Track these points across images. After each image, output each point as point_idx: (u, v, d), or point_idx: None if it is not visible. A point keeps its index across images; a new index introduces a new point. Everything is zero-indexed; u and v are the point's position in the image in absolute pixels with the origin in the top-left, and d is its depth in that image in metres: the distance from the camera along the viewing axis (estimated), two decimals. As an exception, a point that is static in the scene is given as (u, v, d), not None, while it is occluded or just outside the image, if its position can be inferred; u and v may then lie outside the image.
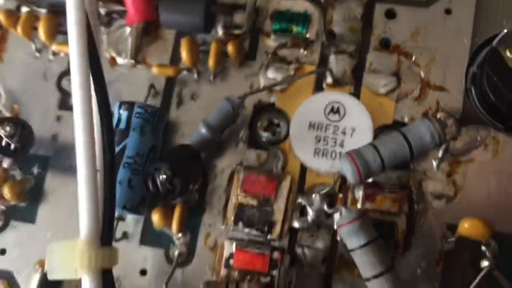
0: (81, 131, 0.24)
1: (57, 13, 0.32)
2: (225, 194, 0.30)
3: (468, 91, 0.30)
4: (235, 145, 0.31)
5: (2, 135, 0.27)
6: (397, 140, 0.27)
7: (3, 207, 0.31)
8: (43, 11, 0.32)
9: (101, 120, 0.24)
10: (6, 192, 0.30)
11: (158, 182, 0.26)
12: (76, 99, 0.24)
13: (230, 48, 0.31)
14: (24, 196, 0.31)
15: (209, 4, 0.30)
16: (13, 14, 0.33)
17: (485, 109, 0.30)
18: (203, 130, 0.29)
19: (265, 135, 0.31)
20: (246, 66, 0.32)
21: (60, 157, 0.32)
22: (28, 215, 0.32)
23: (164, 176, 0.26)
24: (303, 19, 0.31)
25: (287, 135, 0.31)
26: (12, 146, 0.28)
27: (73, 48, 0.25)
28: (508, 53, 0.29)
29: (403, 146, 0.27)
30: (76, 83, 0.23)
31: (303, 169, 0.30)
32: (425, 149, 0.28)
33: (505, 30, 0.28)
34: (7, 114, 0.33)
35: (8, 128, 0.28)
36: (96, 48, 0.26)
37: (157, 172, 0.26)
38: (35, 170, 0.32)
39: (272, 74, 0.32)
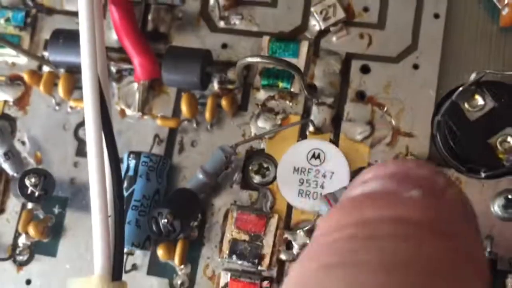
0: (95, 184, 0.28)
1: (74, 72, 0.37)
2: (221, 230, 0.34)
3: (434, 137, 0.34)
4: (230, 186, 0.35)
5: (28, 185, 0.32)
6: (368, 184, 0.31)
7: (28, 243, 0.36)
8: (61, 70, 0.37)
9: (112, 176, 0.28)
10: (31, 230, 0.34)
11: (161, 225, 0.30)
12: (92, 160, 0.28)
13: (223, 102, 0.35)
14: (47, 233, 0.35)
15: (205, 65, 0.34)
16: (35, 74, 0.37)
17: (448, 153, 0.33)
18: (200, 176, 0.33)
19: (256, 178, 0.35)
20: (239, 116, 0.36)
21: (77, 198, 0.36)
22: (50, 250, 0.36)
23: (165, 220, 0.30)
24: (288, 75, 0.35)
25: (275, 177, 0.35)
26: (36, 193, 0.32)
27: (88, 110, 0.29)
28: (466, 105, 0.33)
29: (373, 190, 0.31)
30: (92, 152, 0.28)
31: (289, 207, 0.34)
32: (392, 192, 0.31)
33: (461, 88, 0.32)
34: (31, 160, 0.37)
35: (32, 179, 0.32)
36: (107, 110, 0.30)
37: (159, 216, 0.30)
38: (56, 210, 0.36)
39: (261, 123, 0.36)
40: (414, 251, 0.13)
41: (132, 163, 0.34)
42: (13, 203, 0.36)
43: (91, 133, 0.28)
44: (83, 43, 0.31)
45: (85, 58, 0.31)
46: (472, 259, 0.14)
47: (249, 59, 0.31)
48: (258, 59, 0.31)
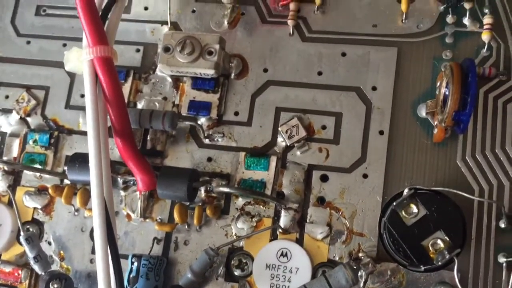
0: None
1: (88, 186, 0.43)
2: (209, 317, 0.40)
3: (381, 236, 0.39)
4: (216, 279, 0.41)
5: (52, 290, 0.39)
6: (322, 283, 0.37)
7: (54, 329, 0.42)
8: (79, 186, 0.44)
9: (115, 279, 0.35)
10: (57, 320, 0.41)
11: (156, 322, 0.36)
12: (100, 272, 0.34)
13: (208, 211, 0.41)
14: (69, 320, 0.42)
15: (191, 183, 0.40)
16: (58, 187, 0.44)
17: (393, 250, 0.39)
18: (189, 275, 0.39)
19: (237, 271, 0.41)
20: (222, 219, 0.42)
21: (93, 289, 0.43)
22: (72, 333, 0.42)
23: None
24: (260, 185, 0.41)
25: (252, 271, 0.40)
26: (59, 295, 0.39)
27: (97, 229, 0.36)
28: (403, 213, 0.38)
29: (326, 288, 0.37)
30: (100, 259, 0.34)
31: (264, 297, 0.40)
32: (342, 289, 0.37)
33: (395, 203, 0.38)
34: (56, 258, 0.44)
35: (55, 285, 0.39)
36: (111, 225, 0.36)
37: (155, 314, 0.36)
38: (76, 300, 0.43)
39: (240, 225, 0.41)
40: None
41: (135, 265, 0.40)
42: (42, 295, 0.43)
43: (99, 255, 0.35)
44: (91, 169, 0.37)
45: (93, 180, 0.37)
46: None
47: (221, 189, 0.38)
48: (228, 190, 0.38)
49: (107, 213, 0.36)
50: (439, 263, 0.36)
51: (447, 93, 0.38)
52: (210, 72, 0.43)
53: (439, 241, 0.37)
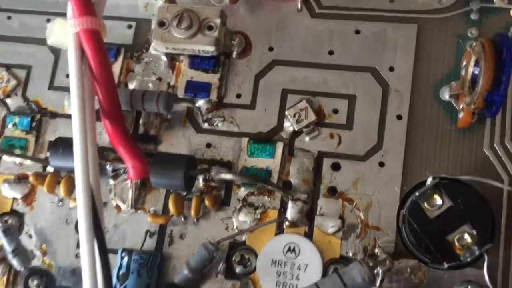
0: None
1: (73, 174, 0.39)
2: (207, 319, 0.36)
3: (400, 230, 0.36)
4: (215, 276, 0.37)
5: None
6: (335, 281, 0.33)
7: (34, 331, 0.38)
8: (63, 173, 0.39)
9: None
10: (37, 320, 0.36)
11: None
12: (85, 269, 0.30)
13: (207, 202, 0.37)
14: (51, 321, 0.37)
15: (188, 171, 0.36)
16: (40, 175, 0.40)
17: (414, 246, 0.35)
18: (186, 272, 0.35)
19: (238, 268, 0.37)
20: (223, 211, 0.38)
21: (78, 287, 0.38)
22: (54, 336, 0.38)
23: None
24: (265, 174, 0.37)
25: (255, 268, 0.37)
26: (39, 292, 0.35)
27: (81, 220, 0.32)
28: (426, 205, 0.34)
29: (340, 287, 0.33)
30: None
31: (269, 297, 0.36)
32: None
33: (417, 193, 0.34)
34: (37, 252, 0.39)
35: (35, 281, 0.34)
36: (98, 214, 0.32)
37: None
38: (59, 299, 0.38)
39: (242, 218, 0.37)
40: None
41: (125, 260, 0.36)
42: (21, 294, 0.39)
43: (85, 246, 0.31)
44: (76, 152, 0.33)
45: (78, 165, 0.33)
46: None
47: (223, 176, 0.33)
48: (231, 176, 0.33)
49: (93, 200, 0.32)
50: (468, 259, 0.32)
51: (476, 72, 0.34)
52: (209, 49, 0.39)
53: (466, 236, 0.33)
